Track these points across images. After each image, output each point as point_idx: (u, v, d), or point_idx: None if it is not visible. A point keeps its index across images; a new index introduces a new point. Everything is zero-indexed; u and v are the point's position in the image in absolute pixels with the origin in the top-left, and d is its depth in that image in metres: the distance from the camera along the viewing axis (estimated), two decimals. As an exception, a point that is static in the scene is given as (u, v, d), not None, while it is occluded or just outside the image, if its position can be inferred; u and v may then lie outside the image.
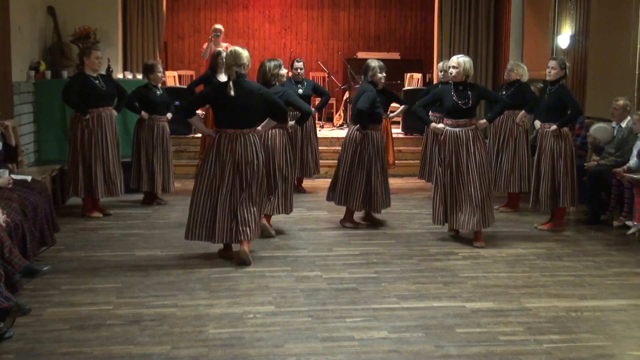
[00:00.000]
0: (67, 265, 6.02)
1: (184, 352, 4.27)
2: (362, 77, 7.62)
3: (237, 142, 6.06)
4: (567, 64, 7.63)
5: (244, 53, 6.15)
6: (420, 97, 9.04)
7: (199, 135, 10.34)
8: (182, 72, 13.76)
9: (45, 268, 5.34)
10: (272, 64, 7.04)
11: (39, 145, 9.56)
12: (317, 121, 9.80)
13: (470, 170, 6.76)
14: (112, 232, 7.24)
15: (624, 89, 8.59)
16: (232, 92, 5.98)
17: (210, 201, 6.07)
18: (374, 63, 7.49)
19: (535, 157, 7.56)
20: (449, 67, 6.95)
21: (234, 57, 6.09)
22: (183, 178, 10.21)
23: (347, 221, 7.61)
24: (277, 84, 7.05)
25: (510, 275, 5.93)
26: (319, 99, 9.62)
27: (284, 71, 7.36)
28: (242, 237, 6.06)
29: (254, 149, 6.12)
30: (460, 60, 6.84)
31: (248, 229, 6.07)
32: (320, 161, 9.83)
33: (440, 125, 6.97)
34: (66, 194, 8.31)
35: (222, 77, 8.96)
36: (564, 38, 10.23)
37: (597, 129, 8.21)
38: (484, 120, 6.99)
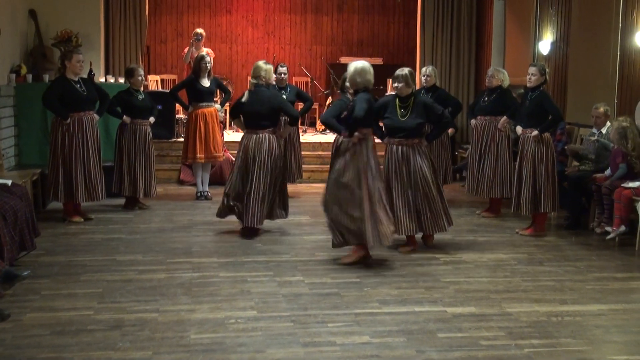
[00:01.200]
0: (48, 270, 5.97)
1: (166, 358, 4.25)
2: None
3: (250, 139, 7.15)
4: (547, 69, 7.68)
5: (264, 67, 7.19)
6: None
7: (182, 139, 10.30)
8: (164, 76, 13.70)
9: (25, 273, 5.31)
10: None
11: (19, 149, 9.49)
12: (300, 126, 9.77)
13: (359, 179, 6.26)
14: (93, 237, 7.19)
15: (605, 95, 8.66)
16: (243, 99, 7.18)
17: (238, 189, 7.12)
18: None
19: (517, 163, 7.60)
20: None
21: (253, 70, 7.24)
22: (165, 183, 10.16)
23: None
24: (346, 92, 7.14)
25: (491, 280, 5.96)
26: (303, 104, 9.61)
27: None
28: (247, 223, 7.12)
29: (263, 147, 7.08)
30: (349, 67, 6.38)
31: (252, 217, 7.05)
32: (303, 166, 9.83)
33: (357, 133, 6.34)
34: (47, 198, 8.24)
35: (205, 82, 8.96)
36: (545, 44, 10.30)
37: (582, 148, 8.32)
38: (357, 133, 6.26)
